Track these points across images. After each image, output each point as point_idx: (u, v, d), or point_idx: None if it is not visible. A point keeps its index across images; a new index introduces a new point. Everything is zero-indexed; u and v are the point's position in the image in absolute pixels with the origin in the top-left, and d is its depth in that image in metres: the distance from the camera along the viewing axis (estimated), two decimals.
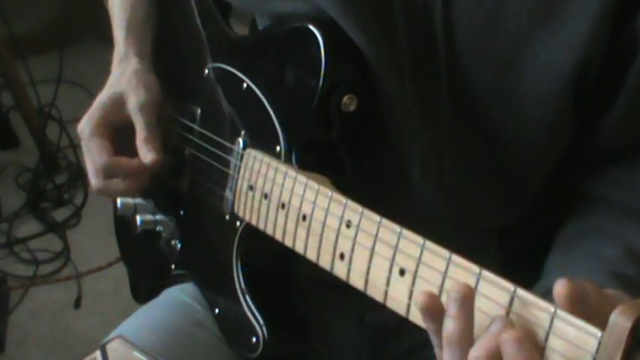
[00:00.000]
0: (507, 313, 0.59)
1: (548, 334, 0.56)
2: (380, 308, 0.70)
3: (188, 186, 1.01)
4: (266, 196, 0.84)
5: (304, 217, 0.78)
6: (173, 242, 1.04)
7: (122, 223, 1.13)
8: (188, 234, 1.02)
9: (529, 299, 0.58)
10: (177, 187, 1.03)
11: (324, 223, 0.76)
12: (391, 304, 0.69)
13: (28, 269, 2.18)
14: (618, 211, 0.84)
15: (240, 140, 0.90)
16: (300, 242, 0.79)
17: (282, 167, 0.82)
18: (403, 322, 0.67)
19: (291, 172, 0.81)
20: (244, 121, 0.91)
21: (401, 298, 0.68)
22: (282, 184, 0.81)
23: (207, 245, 0.99)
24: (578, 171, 0.87)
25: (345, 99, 0.81)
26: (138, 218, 1.04)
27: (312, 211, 0.77)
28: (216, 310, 0.96)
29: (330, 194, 0.75)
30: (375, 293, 0.70)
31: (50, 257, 2.21)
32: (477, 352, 0.58)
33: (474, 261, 0.62)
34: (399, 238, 0.68)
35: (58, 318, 2.06)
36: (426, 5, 0.79)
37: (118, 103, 0.99)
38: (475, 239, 0.90)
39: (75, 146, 2.43)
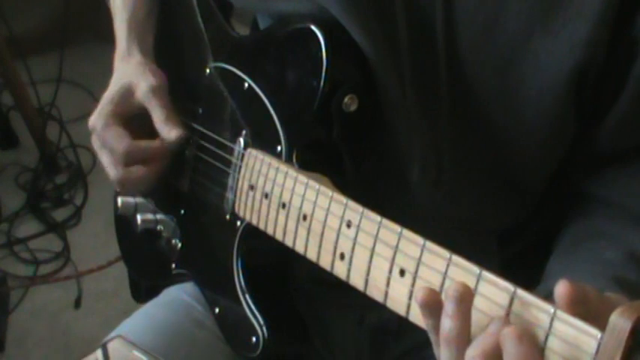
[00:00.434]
0: (507, 314, 0.59)
1: (548, 335, 0.56)
2: (380, 308, 0.70)
3: (189, 185, 1.01)
4: (267, 196, 0.84)
5: (305, 217, 0.78)
6: (173, 242, 1.04)
7: (122, 222, 1.13)
8: (188, 233, 1.02)
9: (529, 300, 0.58)
10: (177, 187, 1.03)
11: (324, 223, 0.76)
12: (391, 305, 0.69)
13: (28, 269, 2.18)
14: (619, 214, 0.84)
15: (241, 140, 0.91)
16: (300, 242, 0.79)
17: (283, 167, 0.82)
18: (403, 322, 0.68)
19: (292, 172, 0.81)
20: (245, 121, 0.91)
21: (401, 298, 0.68)
22: (283, 184, 0.81)
23: (207, 245, 0.99)
24: (579, 173, 0.87)
25: (346, 99, 0.81)
26: (138, 217, 1.04)
27: (313, 211, 0.77)
28: (217, 310, 0.96)
29: (330, 194, 0.75)
30: (375, 293, 0.71)
31: (50, 257, 2.21)
32: (473, 351, 0.58)
33: (475, 262, 0.62)
34: (399, 239, 0.68)
35: (58, 318, 2.06)
36: (427, 5, 0.79)
37: (126, 94, 0.98)
38: (475, 241, 0.90)
39: (75, 146, 2.43)
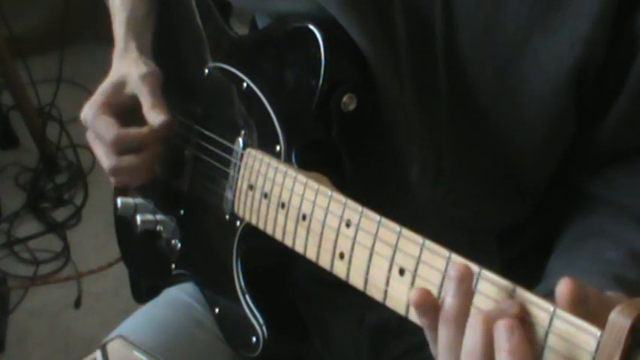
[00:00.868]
0: None
1: (547, 333, 0.56)
2: (380, 308, 0.70)
3: (188, 186, 1.01)
4: (266, 196, 0.84)
5: (304, 217, 0.78)
6: (173, 242, 1.04)
7: (122, 222, 1.13)
8: (188, 234, 1.02)
9: (528, 298, 0.58)
10: (177, 187, 1.03)
11: (323, 222, 0.76)
12: (391, 304, 0.69)
13: (28, 269, 2.18)
14: (620, 214, 0.83)
15: (240, 140, 0.90)
16: (299, 242, 0.79)
17: (282, 167, 0.82)
18: (403, 322, 0.68)
19: (291, 172, 0.81)
20: (244, 121, 0.91)
21: (400, 297, 0.68)
22: (282, 184, 0.81)
23: (207, 245, 0.99)
24: (580, 172, 0.87)
25: (344, 98, 0.81)
26: (138, 218, 1.04)
27: (312, 211, 0.77)
28: (217, 310, 0.96)
29: (329, 194, 0.75)
30: (375, 293, 0.70)
31: (50, 257, 2.21)
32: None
33: (474, 261, 0.62)
34: (398, 238, 0.68)
35: (58, 318, 2.06)
36: (426, 5, 0.79)
37: (119, 86, 0.98)
38: (475, 240, 0.90)
39: (75, 146, 2.43)
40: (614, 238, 0.82)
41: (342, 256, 0.74)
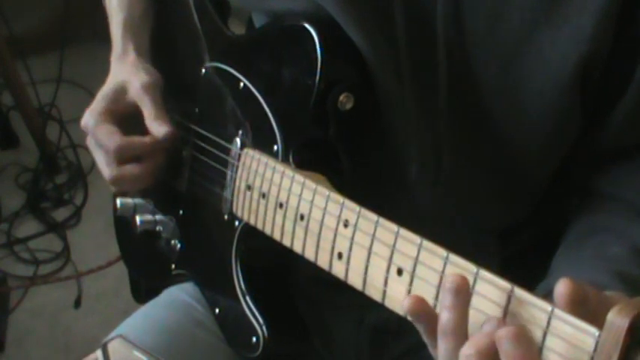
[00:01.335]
0: (505, 313, 0.59)
1: (545, 334, 0.56)
2: (379, 308, 0.70)
3: (187, 186, 1.01)
4: (264, 196, 0.84)
5: (302, 217, 0.78)
6: (173, 242, 1.04)
7: (122, 223, 1.13)
8: (188, 234, 1.02)
9: (526, 298, 0.57)
10: (176, 187, 1.03)
11: (321, 222, 0.75)
12: (390, 304, 0.69)
13: (28, 269, 2.18)
14: (625, 210, 0.83)
15: (238, 140, 0.90)
16: (298, 242, 0.79)
17: (280, 166, 0.82)
18: (403, 322, 0.67)
19: (289, 172, 0.80)
20: (241, 121, 0.91)
21: (399, 297, 0.67)
22: (280, 184, 0.81)
23: (206, 245, 0.99)
24: (586, 169, 0.87)
25: (341, 97, 0.81)
26: (137, 218, 1.04)
27: (310, 211, 0.77)
28: (217, 310, 0.96)
29: (327, 193, 0.75)
30: (374, 293, 0.70)
31: (50, 257, 2.21)
32: (468, 350, 0.58)
33: (474, 261, 0.62)
34: (396, 238, 0.67)
35: (58, 318, 2.06)
36: (427, 1, 0.78)
37: (119, 92, 0.98)
38: (475, 239, 0.90)
39: (75, 146, 2.43)
40: (618, 234, 0.82)
41: (340, 256, 0.74)
